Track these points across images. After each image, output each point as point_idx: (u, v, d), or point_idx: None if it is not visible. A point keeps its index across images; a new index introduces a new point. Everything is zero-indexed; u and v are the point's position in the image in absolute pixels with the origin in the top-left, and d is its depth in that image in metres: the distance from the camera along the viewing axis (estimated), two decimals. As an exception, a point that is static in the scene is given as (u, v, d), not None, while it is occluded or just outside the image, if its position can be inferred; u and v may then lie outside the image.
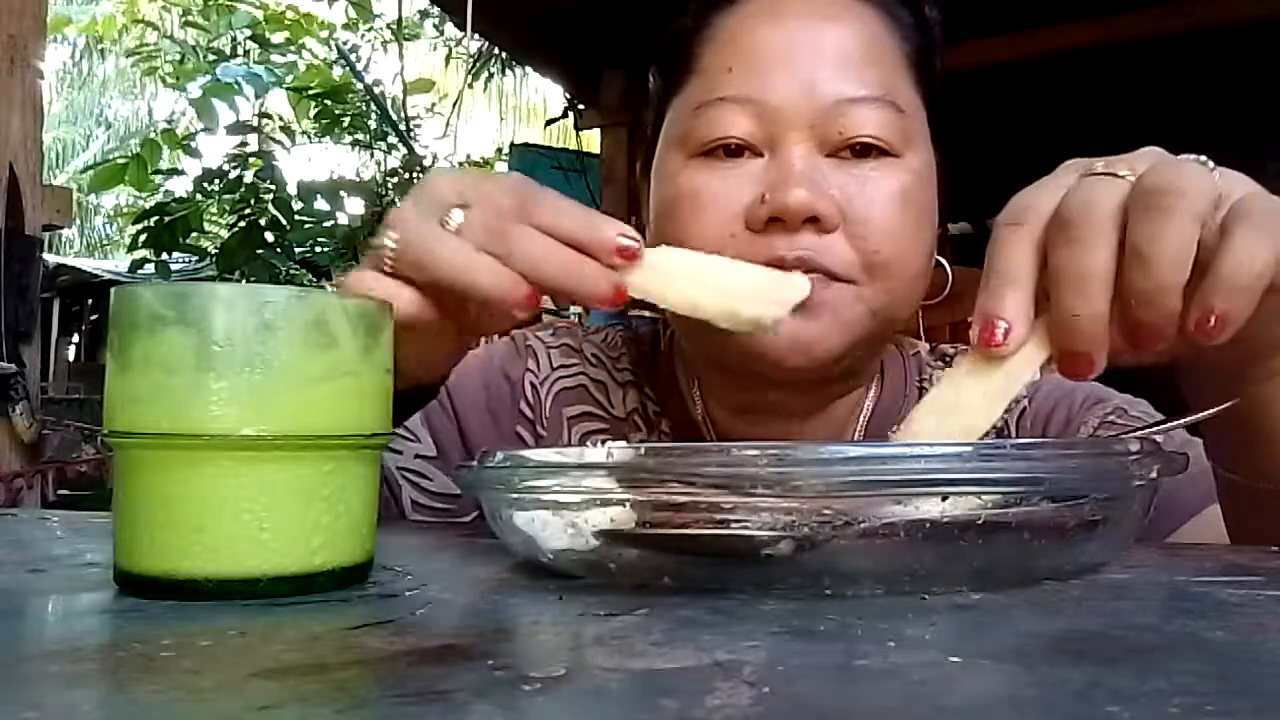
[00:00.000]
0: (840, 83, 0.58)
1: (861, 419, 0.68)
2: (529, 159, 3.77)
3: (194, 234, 4.76)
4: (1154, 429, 0.45)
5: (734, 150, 0.59)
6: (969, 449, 0.34)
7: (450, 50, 6.57)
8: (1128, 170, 0.41)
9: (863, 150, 0.58)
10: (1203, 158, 0.41)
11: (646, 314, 0.75)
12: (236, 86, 4.73)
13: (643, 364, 0.72)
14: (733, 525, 0.32)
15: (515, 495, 0.37)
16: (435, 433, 0.68)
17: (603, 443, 0.68)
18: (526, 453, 0.38)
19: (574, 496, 0.34)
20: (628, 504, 0.33)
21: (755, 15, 0.61)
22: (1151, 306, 0.39)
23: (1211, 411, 0.45)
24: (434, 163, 4.82)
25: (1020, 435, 0.66)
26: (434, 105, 5.65)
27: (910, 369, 0.71)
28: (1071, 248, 0.40)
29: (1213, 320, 0.38)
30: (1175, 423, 0.46)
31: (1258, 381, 0.45)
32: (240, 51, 5.23)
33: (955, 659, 0.24)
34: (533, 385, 0.70)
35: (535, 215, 0.46)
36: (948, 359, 0.72)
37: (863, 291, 0.57)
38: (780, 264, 0.55)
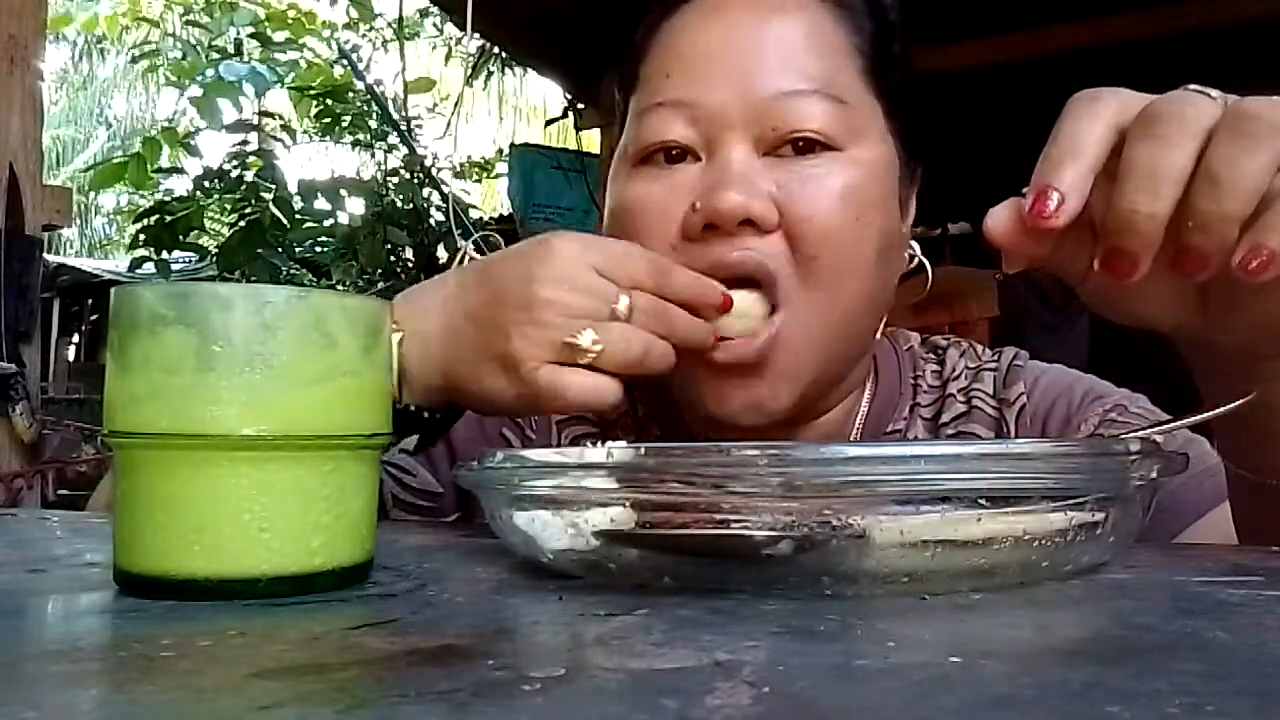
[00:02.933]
0: (776, 78, 0.57)
1: (857, 422, 0.67)
2: (529, 159, 3.77)
3: (194, 233, 4.76)
4: (1161, 428, 0.45)
5: (673, 156, 0.59)
6: (969, 450, 0.34)
7: (450, 50, 6.57)
8: (1221, 96, 0.40)
9: (803, 146, 0.57)
10: None
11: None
12: (238, 86, 4.73)
13: None
14: (733, 525, 0.32)
15: (515, 495, 0.37)
16: None
17: (593, 444, 0.69)
18: (526, 452, 0.38)
19: (574, 496, 0.34)
20: (628, 504, 0.33)
21: (694, 18, 0.60)
22: (1208, 233, 0.38)
23: (1219, 410, 0.44)
24: (434, 163, 4.82)
25: (1019, 432, 0.66)
26: (436, 105, 5.65)
27: (905, 365, 0.70)
28: (1152, 143, 0.38)
29: (1262, 257, 0.37)
30: (1182, 421, 0.46)
31: (1274, 379, 0.45)
32: (242, 50, 5.22)
33: (955, 659, 0.24)
34: None
35: (669, 288, 0.53)
36: (940, 350, 0.71)
37: (810, 301, 0.56)
38: (722, 267, 0.56)
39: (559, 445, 0.69)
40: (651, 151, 0.59)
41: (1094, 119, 0.40)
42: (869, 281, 0.59)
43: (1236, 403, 0.44)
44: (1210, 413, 0.45)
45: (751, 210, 0.55)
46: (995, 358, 0.70)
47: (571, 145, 4.07)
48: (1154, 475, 0.36)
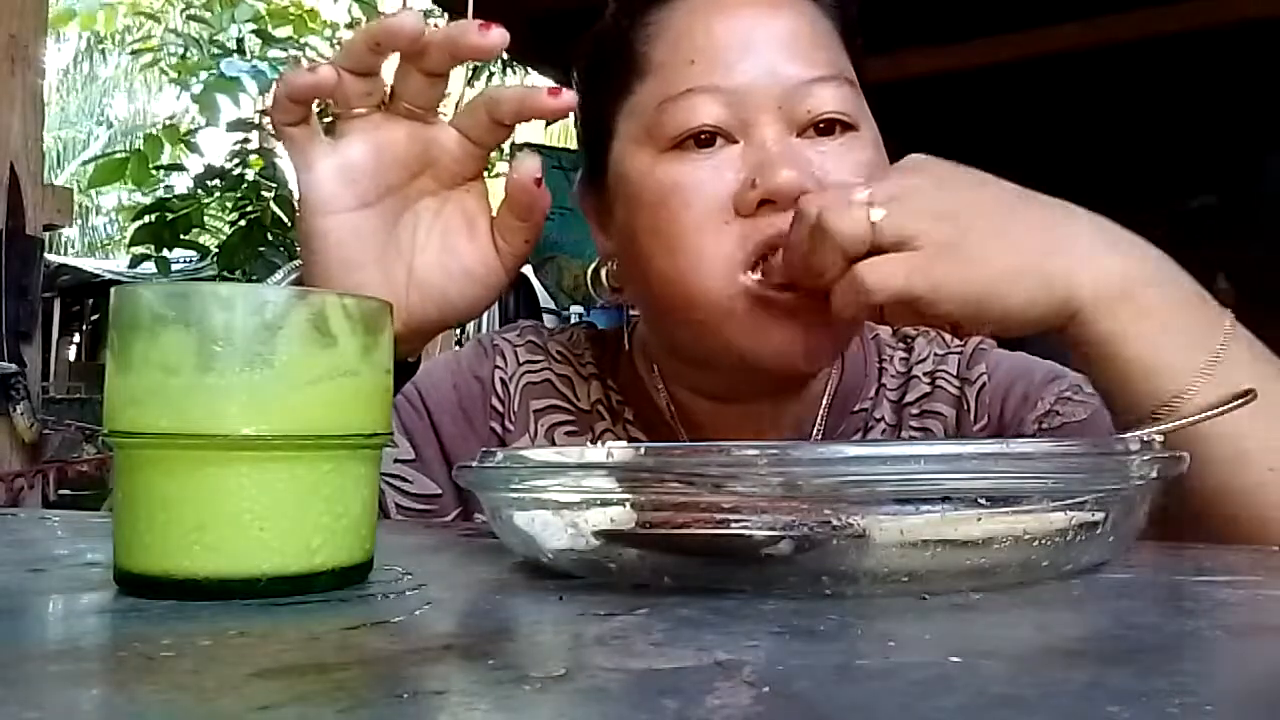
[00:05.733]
0: (798, 65, 0.61)
1: (825, 398, 0.70)
2: (529, 158, 3.75)
3: (195, 231, 4.76)
4: (1161, 428, 0.45)
5: (706, 140, 0.60)
6: (969, 450, 0.34)
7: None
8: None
9: (828, 127, 0.61)
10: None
11: (634, 312, 0.77)
12: (239, 83, 4.73)
13: (605, 358, 0.75)
14: (733, 525, 0.32)
15: (515, 495, 0.37)
16: (411, 437, 0.70)
17: (571, 434, 0.71)
18: (526, 452, 0.38)
19: (574, 496, 0.34)
20: (628, 504, 0.33)
21: (702, 10, 0.63)
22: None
23: (1218, 410, 0.45)
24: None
25: (979, 408, 0.70)
26: (436, 105, 5.63)
27: (870, 350, 0.74)
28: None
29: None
30: (1182, 421, 0.46)
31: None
32: (244, 47, 5.21)
33: (955, 659, 0.24)
34: (501, 381, 0.73)
35: None
36: (909, 339, 0.75)
37: None
38: (782, 236, 0.57)
39: (535, 434, 0.71)
40: (686, 136, 0.60)
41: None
42: None
43: (1236, 403, 0.44)
44: (1210, 412, 0.45)
45: (806, 186, 0.58)
46: (962, 344, 0.74)
47: (573, 145, 4.07)
48: (1154, 475, 0.36)
